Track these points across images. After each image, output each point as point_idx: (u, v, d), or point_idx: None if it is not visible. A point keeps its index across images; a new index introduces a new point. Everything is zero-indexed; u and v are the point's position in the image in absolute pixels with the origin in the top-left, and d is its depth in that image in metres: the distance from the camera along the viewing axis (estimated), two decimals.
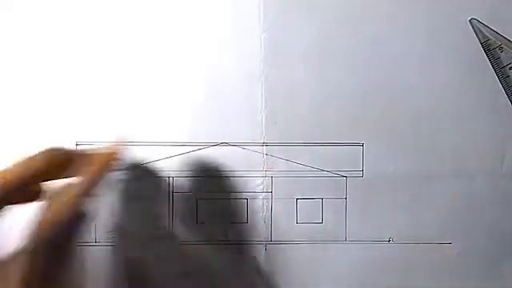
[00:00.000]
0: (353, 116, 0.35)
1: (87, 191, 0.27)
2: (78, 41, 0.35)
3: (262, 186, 0.35)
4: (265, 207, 0.35)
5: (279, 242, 0.35)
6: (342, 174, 0.35)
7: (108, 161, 0.28)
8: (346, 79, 0.35)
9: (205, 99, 0.35)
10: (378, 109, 0.35)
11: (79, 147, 0.35)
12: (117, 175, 0.32)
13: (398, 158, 0.35)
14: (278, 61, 0.35)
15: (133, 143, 0.35)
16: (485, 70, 0.35)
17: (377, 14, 0.35)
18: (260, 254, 0.35)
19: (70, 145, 0.35)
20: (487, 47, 0.34)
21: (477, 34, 0.34)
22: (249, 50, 0.35)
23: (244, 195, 0.35)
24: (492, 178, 0.35)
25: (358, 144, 0.35)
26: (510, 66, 0.34)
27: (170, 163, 0.35)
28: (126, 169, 0.34)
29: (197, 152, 0.35)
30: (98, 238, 0.35)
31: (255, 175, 0.35)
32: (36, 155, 0.28)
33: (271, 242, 0.35)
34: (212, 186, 0.35)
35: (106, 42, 0.35)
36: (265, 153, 0.35)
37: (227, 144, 0.35)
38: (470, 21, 0.34)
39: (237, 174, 0.35)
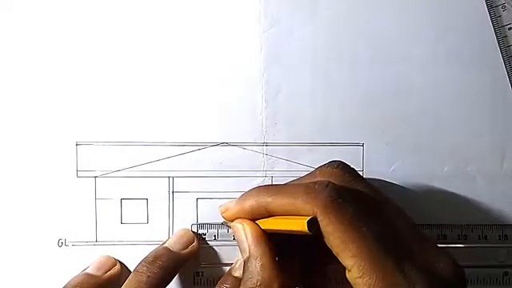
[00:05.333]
0: (353, 116, 0.35)
1: None
2: (78, 41, 0.35)
3: None
4: None
5: None
6: None
7: None
8: (346, 79, 0.35)
9: (205, 99, 0.35)
10: (378, 109, 0.35)
11: (79, 147, 0.35)
12: None
13: (398, 158, 0.35)
14: (279, 61, 0.35)
15: (133, 143, 0.35)
16: (485, 71, 0.35)
17: (379, 14, 0.35)
18: None
19: (69, 145, 0.35)
20: (490, 4, 0.34)
21: None
22: (249, 49, 0.35)
23: None
24: (492, 178, 0.35)
25: (358, 144, 0.35)
26: (509, 26, 0.34)
27: (170, 163, 0.35)
28: None
29: (197, 152, 0.35)
30: (98, 237, 0.35)
31: (255, 175, 0.35)
32: None
33: None
34: (212, 186, 0.35)
35: (106, 42, 0.35)
36: (265, 153, 0.35)
37: (227, 144, 0.35)
38: None
39: (237, 174, 0.35)
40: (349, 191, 0.28)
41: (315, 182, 0.28)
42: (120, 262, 0.35)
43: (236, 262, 0.34)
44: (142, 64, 0.35)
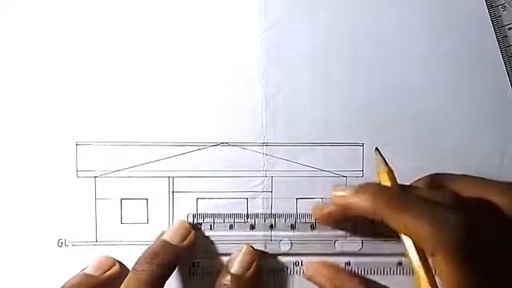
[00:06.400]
0: (353, 116, 0.35)
1: None
2: (78, 41, 0.35)
3: (262, 186, 0.35)
4: (265, 207, 0.35)
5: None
6: (342, 174, 0.35)
7: None
8: (346, 79, 0.35)
9: (205, 99, 0.35)
10: (379, 109, 0.35)
11: (79, 147, 0.35)
12: None
13: (398, 158, 0.35)
14: (279, 61, 0.35)
15: (133, 143, 0.35)
16: (485, 71, 0.35)
17: (379, 14, 0.35)
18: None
19: (69, 145, 0.35)
20: (490, 4, 0.34)
21: None
22: (249, 50, 0.35)
23: (244, 195, 0.35)
24: (492, 178, 0.35)
25: (358, 144, 0.35)
26: (509, 26, 0.34)
27: (170, 163, 0.35)
28: None
29: (197, 152, 0.35)
30: (97, 238, 0.35)
31: (255, 175, 0.35)
32: None
33: (271, 241, 0.35)
34: (212, 186, 0.35)
35: (106, 42, 0.35)
36: (265, 153, 0.35)
37: (227, 144, 0.35)
38: None
39: (237, 174, 0.35)
40: (483, 238, 0.27)
41: (447, 217, 0.27)
42: (119, 262, 0.35)
43: (231, 259, 0.34)
44: (142, 64, 0.35)
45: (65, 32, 0.35)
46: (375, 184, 0.32)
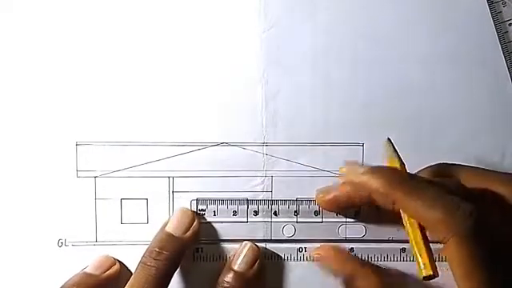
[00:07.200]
0: (353, 116, 0.35)
1: None
2: (78, 41, 0.35)
3: (262, 186, 0.35)
4: (265, 207, 0.35)
5: (279, 242, 0.35)
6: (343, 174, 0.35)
7: None
8: (346, 79, 0.35)
9: (205, 99, 0.35)
10: (378, 109, 0.35)
11: (79, 147, 0.35)
12: None
13: None
14: (279, 61, 0.35)
15: (133, 143, 0.35)
16: (484, 70, 0.35)
17: (379, 14, 0.35)
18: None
19: (69, 145, 0.35)
20: (490, 0, 0.34)
21: None
22: (249, 50, 0.35)
23: (244, 195, 0.35)
24: None
25: (358, 144, 0.35)
26: (509, 22, 0.34)
27: (170, 163, 0.35)
28: None
29: (197, 152, 0.35)
30: (98, 238, 0.35)
31: (255, 175, 0.35)
32: None
33: (271, 241, 0.35)
34: (212, 186, 0.35)
35: (106, 42, 0.35)
36: (265, 153, 0.35)
37: (227, 144, 0.35)
38: None
39: (237, 173, 0.35)
40: (490, 227, 0.28)
41: (458, 205, 0.28)
42: (120, 262, 0.35)
43: (234, 255, 0.34)
44: (142, 64, 0.35)
45: (65, 32, 0.35)
46: (389, 167, 0.32)
